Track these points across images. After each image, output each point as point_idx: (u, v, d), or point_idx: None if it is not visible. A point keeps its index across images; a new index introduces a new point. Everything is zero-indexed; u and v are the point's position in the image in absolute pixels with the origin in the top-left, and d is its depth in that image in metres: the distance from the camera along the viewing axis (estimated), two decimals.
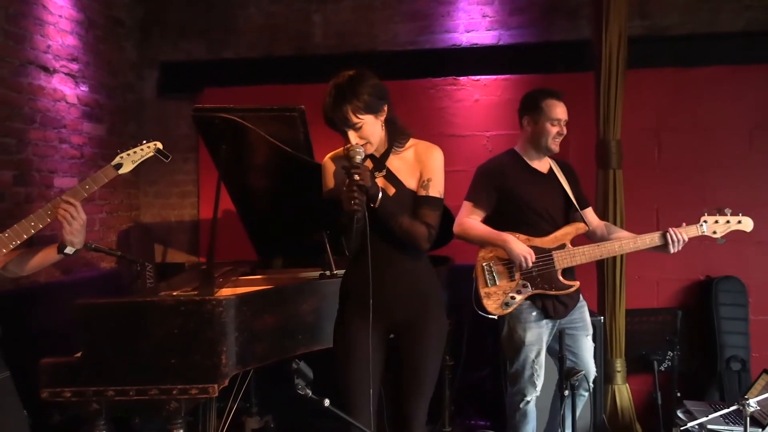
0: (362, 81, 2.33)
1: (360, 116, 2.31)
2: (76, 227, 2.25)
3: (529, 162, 3.21)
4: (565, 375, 2.69)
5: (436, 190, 2.46)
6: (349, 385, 2.47)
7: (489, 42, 4.63)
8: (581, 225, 3.18)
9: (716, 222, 3.10)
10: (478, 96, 4.64)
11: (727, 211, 3.10)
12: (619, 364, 3.98)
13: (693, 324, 4.28)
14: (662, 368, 4.03)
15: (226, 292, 3.02)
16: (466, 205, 3.17)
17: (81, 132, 4.32)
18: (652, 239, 3.08)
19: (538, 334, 3.09)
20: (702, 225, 3.10)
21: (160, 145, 2.47)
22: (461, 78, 4.66)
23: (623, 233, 3.22)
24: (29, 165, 3.83)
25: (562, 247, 3.11)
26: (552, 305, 3.09)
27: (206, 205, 4.95)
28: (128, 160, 2.43)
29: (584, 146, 4.13)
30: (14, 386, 2.36)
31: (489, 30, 4.62)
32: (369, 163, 2.44)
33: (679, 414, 3.66)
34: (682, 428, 3.40)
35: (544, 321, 3.12)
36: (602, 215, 3.74)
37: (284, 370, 3.15)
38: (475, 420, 4.21)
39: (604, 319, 3.87)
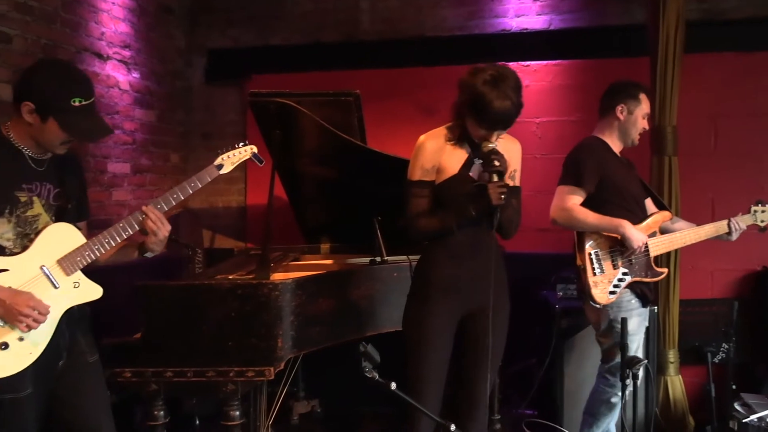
0: (520, 82, 2.42)
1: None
2: (160, 237, 2.30)
3: (614, 150, 3.18)
4: (627, 363, 2.64)
5: (519, 180, 2.60)
6: (423, 372, 2.47)
7: (539, 27, 4.55)
8: (667, 213, 3.19)
9: (763, 211, 3.19)
10: (528, 82, 4.57)
11: None
12: (672, 355, 3.91)
13: (749, 315, 4.16)
14: (716, 360, 3.95)
15: (277, 276, 3.04)
16: (566, 189, 3.06)
17: (133, 118, 4.38)
18: (721, 227, 3.16)
19: (639, 323, 3.06)
20: (754, 214, 3.19)
21: (255, 150, 2.52)
22: (510, 63, 4.53)
23: (683, 223, 3.25)
24: (85, 150, 3.89)
25: (654, 234, 3.12)
26: (649, 291, 3.10)
27: (253, 192, 4.99)
28: (228, 162, 2.45)
29: None
30: (101, 368, 2.41)
31: (539, 14, 4.55)
32: (466, 149, 2.48)
33: (737, 407, 3.58)
34: (743, 421, 3.32)
35: (644, 309, 3.11)
36: (656, 203, 3.66)
37: (332, 355, 3.20)
38: (522, 409, 4.17)
39: (658, 309, 3.80)
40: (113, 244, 2.27)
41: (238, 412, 2.75)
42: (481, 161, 2.44)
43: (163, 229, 2.31)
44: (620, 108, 3.12)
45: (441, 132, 2.51)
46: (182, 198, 2.39)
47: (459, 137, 2.47)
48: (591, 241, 3.06)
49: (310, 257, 3.89)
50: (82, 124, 2.17)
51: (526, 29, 4.57)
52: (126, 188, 4.30)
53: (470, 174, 2.47)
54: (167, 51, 4.80)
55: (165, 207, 2.33)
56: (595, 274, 3.04)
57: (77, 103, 2.13)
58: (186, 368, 2.66)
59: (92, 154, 3.96)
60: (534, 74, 4.58)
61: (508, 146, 2.53)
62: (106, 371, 2.66)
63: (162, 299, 2.67)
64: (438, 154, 2.47)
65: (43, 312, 2.09)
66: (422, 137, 2.51)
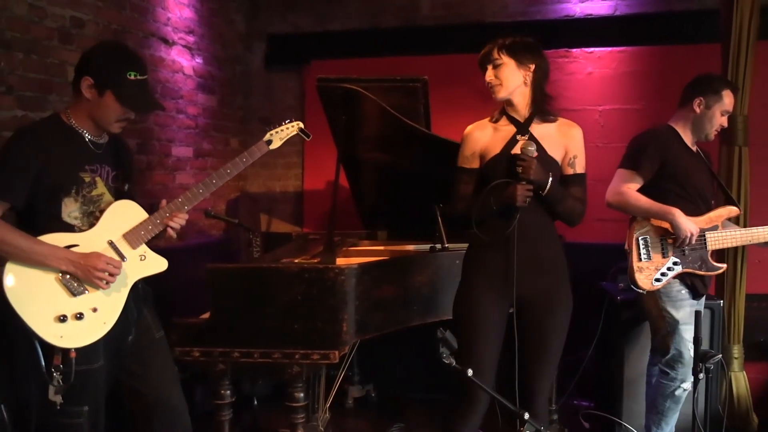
0: (521, 35, 2.52)
1: (501, 55, 2.45)
2: (175, 237, 2.41)
3: (685, 141, 3.14)
4: (700, 358, 2.59)
5: (581, 166, 2.55)
6: (470, 359, 2.43)
7: (604, 12, 4.45)
8: (734, 208, 3.12)
9: None
10: (591, 69, 4.49)
11: None
12: (737, 351, 3.82)
13: None
14: None
15: (341, 261, 3.06)
16: (624, 173, 3.07)
17: (196, 103, 4.45)
18: None
19: (689, 314, 3.00)
20: None
21: (302, 125, 2.64)
22: (574, 50, 4.51)
23: (733, 227, 3.21)
24: (150, 134, 3.98)
25: (715, 228, 3.07)
26: (701, 284, 3.06)
27: (310, 177, 5.02)
28: (276, 137, 2.58)
29: None
30: (168, 344, 2.50)
31: (605, 0, 4.45)
32: (512, 127, 2.50)
33: None
34: None
35: (694, 300, 3.06)
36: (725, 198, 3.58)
37: (386, 340, 3.22)
38: (579, 400, 4.14)
39: (723, 303, 3.71)
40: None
41: (302, 394, 2.81)
42: (525, 137, 2.48)
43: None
44: (698, 101, 3.06)
45: (486, 121, 2.59)
46: (235, 173, 2.48)
47: (501, 115, 2.54)
48: (641, 227, 3.06)
49: (368, 243, 3.91)
50: (137, 97, 2.26)
51: (591, 15, 4.47)
52: (188, 171, 4.38)
53: (512, 152, 2.46)
54: (228, 36, 4.86)
55: (220, 182, 2.43)
56: (641, 259, 3.03)
57: (132, 77, 2.23)
58: (253, 349, 2.72)
59: (157, 137, 4.04)
60: (598, 61, 4.49)
61: (565, 131, 2.52)
62: (175, 350, 2.74)
63: (231, 281, 2.72)
64: (479, 141, 2.54)
65: (117, 266, 2.20)
66: (469, 127, 2.60)
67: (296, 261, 3.00)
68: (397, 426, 3.77)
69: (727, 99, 3.07)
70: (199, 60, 4.46)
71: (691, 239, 2.95)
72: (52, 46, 3.17)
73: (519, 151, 2.39)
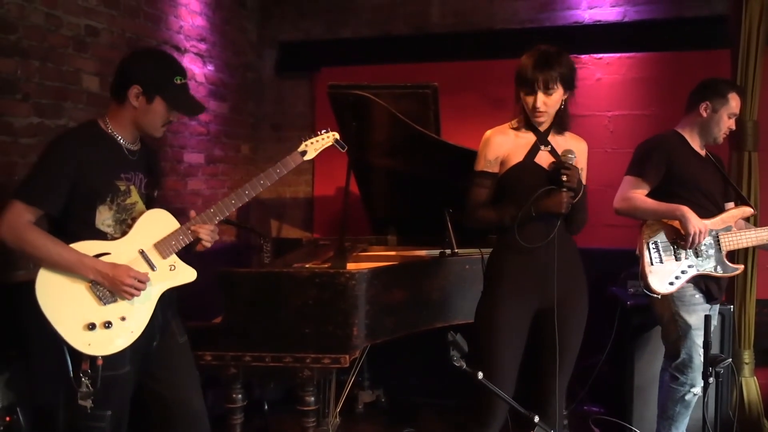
0: (568, 57, 2.48)
1: (558, 84, 2.43)
2: (208, 246, 2.43)
3: (692, 145, 3.16)
4: (710, 362, 2.60)
5: (585, 179, 2.61)
6: (493, 366, 2.45)
7: (613, 18, 4.46)
8: (748, 209, 3.13)
9: None
10: (600, 75, 4.50)
11: None
12: (747, 356, 3.80)
13: None
14: None
15: (352, 266, 3.09)
16: (630, 180, 3.11)
17: (207, 110, 4.49)
18: None
19: (701, 319, 3.00)
20: None
21: (337, 136, 2.61)
22: (583, 56, 4.52)
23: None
24: (162, 140, 4.00)
25: (728, 229, 3.08)
26: (716, 287, 3.06)
27: (320, 183, 5.06)
28: (311, 148, 2.55)
29: None
30: (190, 349, 2.53)
31: (614, 6, 4.46)
32: (531, 136, 2.52)
33: None
34: None
35: (708, 305, 3.06)
36: (738, 199, 3.58)
37: (397, 345, 3.24)
38: (589, 406, 4.13)
39: (734, 308, 3.70)
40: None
41: (313, 398, 2.83)
42: (547, 149, 2.51)
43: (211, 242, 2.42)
44: (705, 105, 3.07)
45: (507, 126, 2.58)
46: (269, 184, 2.47)
47: (523, 124, 2.54)
48: (651, 232, 3.07)
49: (378, 248, 3.93)
50: (185, 100, 2.32)
51: (600, 21, 4.49)
52: (200, 178, 4.42)
53: (535, 161, 2.49)
54: (240, 44, 4.91)
55: (253, 193, 2.44)
56: (652, 263, 3.03)
57: (179, 81, 2.28)
58: (264, 353, 2.75)
59: (170, 144, 4.09)
60: (607, 67, 4.51)
61: (573, 145, 2.54)
62: None
63: (244, 285, 2.75)
64: (502, 146, 2.53)
65: (143, 280, 2.21)
66: (489, 131, 2.59)
67: (307, 266, 3.03)
68: (406, 431, 3.79)
69: (734, 101, 3.08)
70: (210, 67, 4.51)
71: (700, 236, 2.95)
72: (67, 54, 3.22)
73: (560, 159, 2.44)
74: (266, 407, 3.96)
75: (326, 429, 3.49)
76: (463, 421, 2.63)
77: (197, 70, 4.36)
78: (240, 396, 2.85)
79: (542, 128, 2.53)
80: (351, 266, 3.08)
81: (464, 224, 2.62)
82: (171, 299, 2.42)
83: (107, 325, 2.17)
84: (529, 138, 2.52)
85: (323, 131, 2.58)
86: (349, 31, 4.95)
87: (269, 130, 5.15)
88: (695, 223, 2.95)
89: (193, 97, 2.39)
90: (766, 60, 3.71)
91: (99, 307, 2.18)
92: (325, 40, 4.98)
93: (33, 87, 3.02)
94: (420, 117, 3.15)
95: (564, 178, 2.38)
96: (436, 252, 3.47)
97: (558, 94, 2.45)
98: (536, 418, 2.04)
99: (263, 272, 2.82)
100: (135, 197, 2.31)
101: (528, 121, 2.53)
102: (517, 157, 2.50)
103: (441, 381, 3.86)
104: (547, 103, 2.44)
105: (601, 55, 4.51)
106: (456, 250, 3.35)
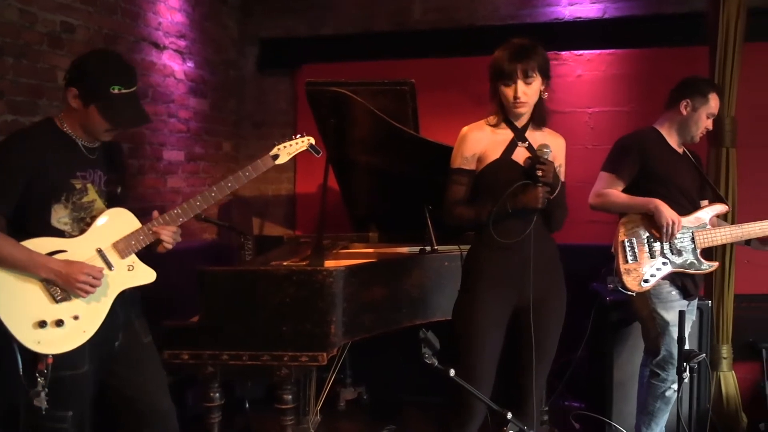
0: (541, 48, 2.48)
1: (536, 73, 2.42)
2: (170, 248, 2.38)
3: (669, 142, 3.17)
4: (685, 357, 2.61)
5: (563, 175, 2.62)
6: (471, 364, 2.46)
7: (593, 15, 4.47)
8: (723, 206, 3.15)
9: None
10: (581, 71, 4.51)
11: None
12: (726, 351, 3.83)
13: None
14: None
15: (330, 264, 3.08)
16: (605, 176, 3.14)
17: (187, 107, 4.47)
18: (764, 227, 3.10)
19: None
20: None
21: (312, 141, 2.60)
22: (563, 53, 4.53)
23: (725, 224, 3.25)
24: (142, 138, 3.99)
25: (703, 226, 3.09)
26: (692, 284, 3.08)
27: (302, 180, 5.04)
28: (284, 152, 2.53)
29: None
30: (156, 349, 2.51)
31: (594, 3, 4.47)
32: (509, 132, 2.51)
33: None
34: None
35: (685, 301, 3.08)
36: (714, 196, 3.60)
37: (379, 343, 3.24)
38: (570, 401, 4.15)
39: (712, 303, 3.73)
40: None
41: (290, 396, 2.82)
42: (524, 145, 2.50)
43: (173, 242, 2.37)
44: (685, 103, 3.09)
45: (483, 123, 2.57)
46: (237, 186, 2.45)
47: (501, 119, 2.52)
48: (626, 229, 3.09)
49: (359, 245, 3.92)
50: (122, 111, 2.23)
51: (580, 18, 4.50)
52: (180, 175, 4.40)
53: (512, 158, 2.49)
54: (221, 41, 4.88)
55: (220, 195, 2.40)
56: (627, 261, 3.05)
57: (116, 91, 2.20)
58: (242, 351, 2.73)
59: (149, 141, 4.06)
60: (587, 64, 4.52)
61: (550, 140, 2.53)
62: (164, 353, 2.76)
63: (221, 284, 2.74)
64: (479, 143, 2.51)
65: (98, 276, 2.18)
66: (465, 128, 2.58)
67: (285, 264, 3.02)
68: (388, 428, 3.79)
69: (713, 102, 3.10)
70: (190, 64, 4.48)
71: (674, 227, 2.97)
72: (42, 50, 3.19)
73: (536, 153, 2.43)
74: (247, 405, 3.95)
75: (306, 426, 3.49)
76: (443, 419, 2.61)
77: (177, 67, 4.32)
78: (218, 395, 2.83)
79: (520, 124, 2.52)
80: (330, 263, 3.07)
81: (444, 222, 2.60)
82: (135, 299, 2.42)
83: (59, 323, 2.15)
84: (506, 134, 2.51)
85: (298, 136, 2.57)
86: (330, 27, 4.93)
87: (251, 128, 5.13)
88: (667, 214, 2.96)
89: (135, 108, 2.28)
90: (743, 56, 3.73)
91: (51, 305, 2.16)
92: (307, 37, 4.95)
93: (7, 84, 2.99)
94: (398, 114, 3.14)
95: (539, 173, 2.37)
96: (416, 249, 3.48)
97: (537, 84, 2.44)
98: (509, 415, 2.04)
99: (240, 270, 2.81)
100: (93, 195, 2.29)
101: (505, 117, 2.52)
102: (495, 154, 2.49)
103: (423, 378, 3.85)
104: (527, 92, 2.43)
105: (581, 52, 4.52)
106: (436, 247, 3.35)
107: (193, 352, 2.76)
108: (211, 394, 2.83)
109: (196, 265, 2.85)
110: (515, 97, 2.42)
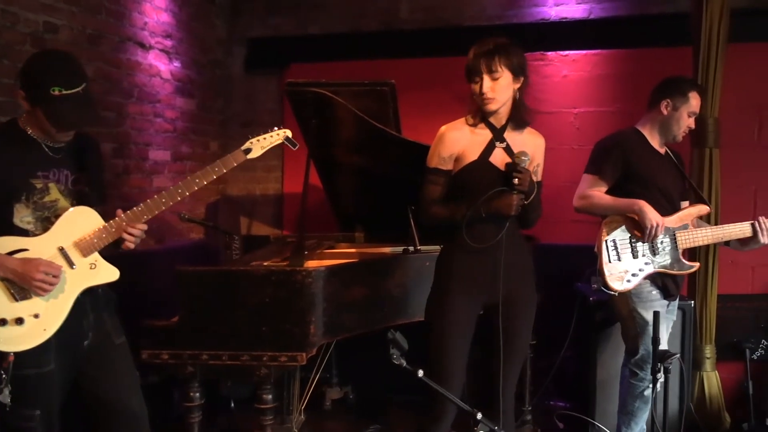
0: (515, 45, 2.46)
1: (502, 68, 2.40)
2: (132, 247, 2.37)
3: (651, 143, 3.17)
4: (659, 357, 2.62)
5: (541, 175, 2.62)
6: (442, 362, 2.48)
7: (579, 16, 4.48)
8: (704, 207, 3.15)
9: None
10: (567, 72, 4.53)
11: None
12: (709, 351, 3.85)
13: None
14: (755, 356, 3.89)
15: (312, 264, 3.09)
16: (588, 178, 3.14)
17: (174, 107, 4.47)
18: (745, 228, 3.10)
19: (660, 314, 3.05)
20: None
21: (289, 133, 2.53)
22: (549, 53, 4.54)
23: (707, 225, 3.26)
24: (127, 138, 3.99)
25: (685, 227, 3.10)
26: (673, 284, 3.09)
27: (290, 180, 5.05)
28: (257, 146, 2.47)
29: None
30: (129, 349, 2.50)
31: (579, 3, 4.48)
32: (488, 132, 2.51)
33: None
34: None
35: (665, 301, 3.10)
36: (696, 197, 3.61)
37: (365, 342, 3.24)
38: (555, 401, 4.17)
39: (695, 303, 3.75)
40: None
41: (270, 396, 2.82)
42: (502, 145, 2.50)
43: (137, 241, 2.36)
44: (665, 103, 3.09)
45: (462, 122, 2.55)
46: (204, 183, 2.41)
47: (479, 119, 2.51)
48: (609, 229, 3.08)
49: (344, 245, 3.93)
50: (65, 113, 2.19)
51: (566, 18, 4.51)
52: (166, 175, 4.40)
53: (490, 160, 2.48)
54: (208, 40, 4.88)
55: (187, 192, 2.39)
56: (610, 261, 3.04)
57: (56, 92, 2.17)
58: (221, 351, 2.73)
59: (134, 141, 4.06)
60: (573, 64, 4.53)
61: (530, 140, 2.54)
62: (144, 353, 2.76)
63: (200, 284, 2.74)
64: (457, 143, 2.50)
65: (55, 274, 2.18)
66: (443, 127, 2.57)
67: (265, 263, 3.03)
68: (373, 428, 3.80)
69: (694, 101, 3.10)
70: (177, 64, 4.48)
71: (657, 229, 2.98)
72: (24, 51, 3.17)
73: (514, 161, 2.42)
74: (233, 405, 3.96)
75: (289, 426, 3.49)
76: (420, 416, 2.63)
77: (163, 66, 4.32)
78: (197, 394, 2.83)
79: (498, 124, 2.51)
80: (313, 263, 3.08)
81: (421, 221, 2.61)
82: (108, 298, 2.42)
83: (19, 321, 2.15)
84: (485, 135, 2.50)
85: (274, 128, 2.51)
86: (318, 27, 4.94)
87: (238, 127, 5.12)
88: (651, 216, 2.97)
89: (80, 110, 2.22)
90: (726, 57, 3.74)
91: (11, 303, 2.16)
92: (295, 37, 4.96)
93: None
94: (379, 114, 3.15)
95: (515, 181, 2.37)
96: (400, 249, 3.48)
97: (506, 80, 2.42)
98: (479, 415, 2.04)
99: (219, 270, 2.81)
100: (55, 194, 2.28)
101: (484, 117, 2.50)
102: (473, 155, 2.49)
103: (409, 377, 3.87)
104: (494, 88, 2.40)
105: (567, 52, 4.53)
106: (418, 247, 3.35)
107: (173, 351, 2.76)
108: (191, 394, 2.83)
109: (183, 265, 2.84)
110: (481, 93, 2.41)
